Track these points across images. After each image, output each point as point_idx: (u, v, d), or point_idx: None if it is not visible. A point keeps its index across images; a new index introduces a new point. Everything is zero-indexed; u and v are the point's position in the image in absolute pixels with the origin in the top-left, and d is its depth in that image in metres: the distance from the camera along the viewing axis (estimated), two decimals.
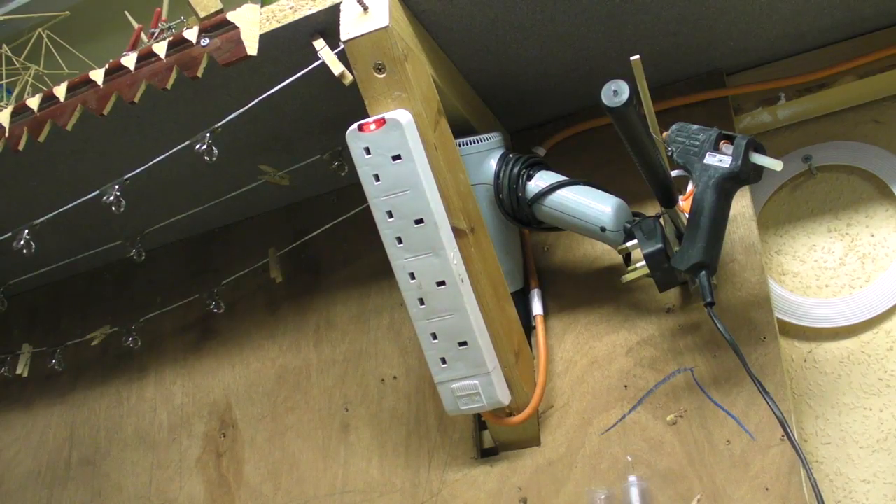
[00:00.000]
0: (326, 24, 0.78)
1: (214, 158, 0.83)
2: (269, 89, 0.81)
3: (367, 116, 0.77)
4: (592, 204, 0.86)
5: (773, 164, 0.76)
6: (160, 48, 0.81)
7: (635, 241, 0.83)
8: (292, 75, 0.80)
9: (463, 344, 0.81)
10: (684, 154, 0.78)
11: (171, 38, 0.81)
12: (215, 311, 1.12)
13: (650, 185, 0.77)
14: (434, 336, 0.81)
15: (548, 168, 0.91)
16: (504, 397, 0.84)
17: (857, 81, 0.94)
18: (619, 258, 0.92)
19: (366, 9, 0.74)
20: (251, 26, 0.78)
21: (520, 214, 0.90)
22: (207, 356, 1.19)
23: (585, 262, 0.98)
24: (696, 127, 0.79)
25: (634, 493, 0.84)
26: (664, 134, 0.80)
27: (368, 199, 0.79)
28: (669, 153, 0.79)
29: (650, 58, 0.89)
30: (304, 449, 1.06)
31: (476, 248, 0.81)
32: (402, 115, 0.75)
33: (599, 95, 0.67)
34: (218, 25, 0.79)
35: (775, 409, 0.74)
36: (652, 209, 0.92)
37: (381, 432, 1.02)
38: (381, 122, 0.76)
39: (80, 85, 0.85)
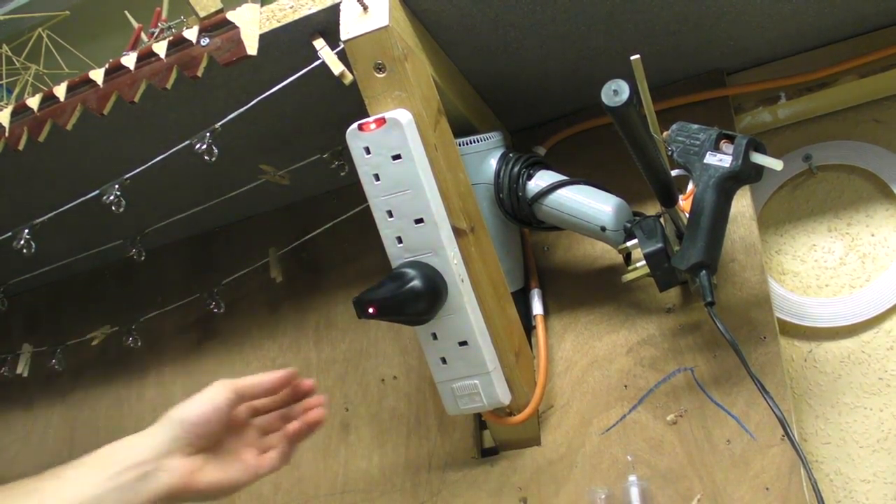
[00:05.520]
0: (326, 23, 0.78)
1: (214, 158, 0.83)
2: (269, 89, 0.81)
3: (367, 116, 0.77)
4: (593, 203, 0.86)
5: (774, 163, 0.76)
6: (160, 48, 0.81)
7: (635, 241, 0.82)
8: (292, 75, 0.80)
9: (463, 343, 0.81)
10: (685, 153, 0.78)
11: (171, 38, 0.81)
12: (215, 310, 1.12)
13: (650, 185, 0.77)
14: (434, 336, 0.81)
15: (548, 167, 0.91)
16: (504, 397, 0.84)
17: (858, 81, 0.94)
18: (620, 258, 0.91)
19: (366, 8, 0.74)
20: (251, 26, 0.78)
21: (520, 214, 0.90)
22: (208, 356, 1.19)
23: (585, 261, 0.97)
24: (696, 126, 0.79)
25: (635, 493, 0.84)
26: (664, 133, 0.80)
27: (368, 199, 0.79)
28: (670, 153, 0.79)
29: (650, 57, 0.88)
30: (305, 448, 1.05)
31: (476, 247, 0.81)
32: (402, 115, 0.75)
33: (600, 95, 0.67)
34: (218, 25, 0.79)
35: (775, 408, 0.74)
36: (652, 209, 0.91)
37: (381, 432, 1.02)
38: (381, 122, 0.75)
39: (80, 85, 0.85)
